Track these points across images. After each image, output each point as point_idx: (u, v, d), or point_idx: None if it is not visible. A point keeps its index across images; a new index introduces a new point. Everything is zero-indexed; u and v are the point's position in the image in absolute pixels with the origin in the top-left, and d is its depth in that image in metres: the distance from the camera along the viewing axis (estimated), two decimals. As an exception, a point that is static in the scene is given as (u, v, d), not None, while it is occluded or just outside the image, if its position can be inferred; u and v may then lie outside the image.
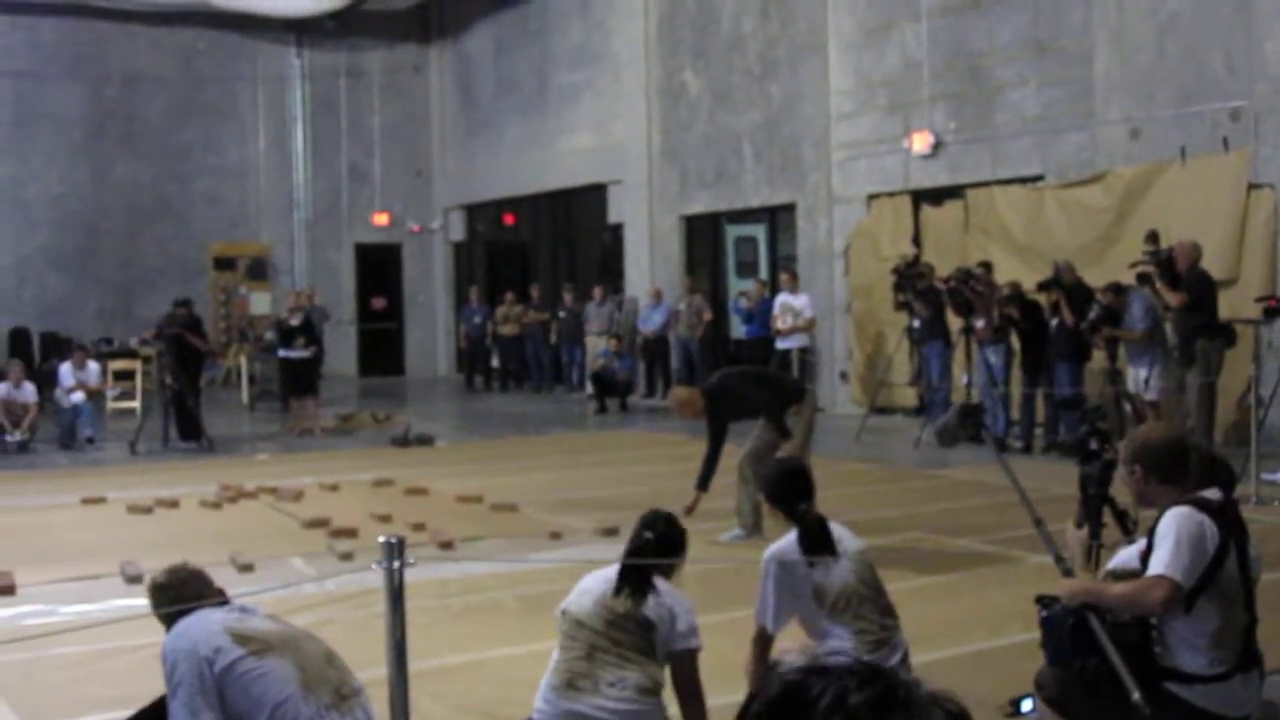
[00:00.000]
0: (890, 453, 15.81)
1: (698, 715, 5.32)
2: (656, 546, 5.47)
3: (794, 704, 1.52)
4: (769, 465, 6.22)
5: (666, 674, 5.30)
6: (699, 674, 5.32)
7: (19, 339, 24.79)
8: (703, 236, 23.02)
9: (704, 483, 10.70)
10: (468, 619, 8.24)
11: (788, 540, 5.77)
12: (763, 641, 5.72)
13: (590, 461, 15.53)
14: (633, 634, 5.23)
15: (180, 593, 5.17)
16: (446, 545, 10.35)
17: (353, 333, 29.13)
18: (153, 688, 5.35)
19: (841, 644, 5.56)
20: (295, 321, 18.99)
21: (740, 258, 22.29)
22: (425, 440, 17.12)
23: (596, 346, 22.57)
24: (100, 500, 12.78)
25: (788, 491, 5.96)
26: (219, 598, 5.20)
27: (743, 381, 11.05)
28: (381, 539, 5.20)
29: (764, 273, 21.50)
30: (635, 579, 5.35)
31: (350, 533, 10.74)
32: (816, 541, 5.72)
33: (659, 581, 5.41)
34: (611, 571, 5.45)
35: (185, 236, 27.39)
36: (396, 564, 5.09)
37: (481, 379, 26.05)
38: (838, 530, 5.89)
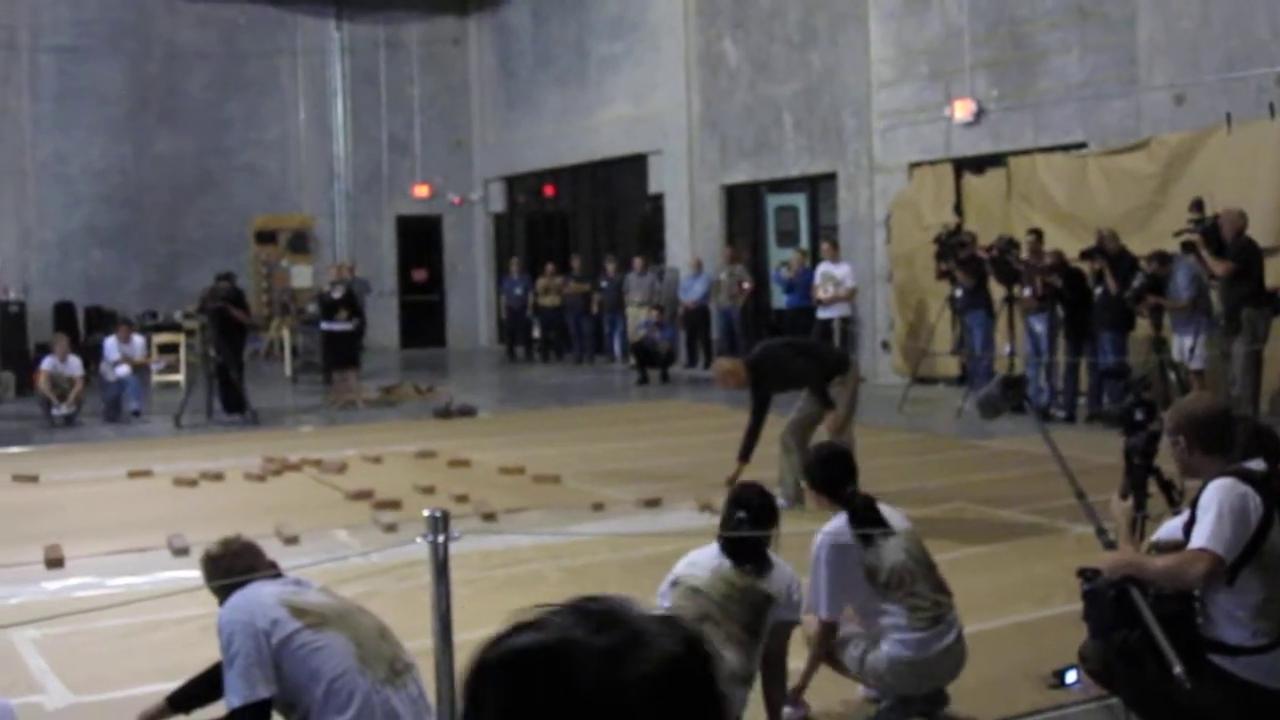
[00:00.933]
0: (933, 422, 15.76)
1: (781, 678, 5.48)
2: (754, 524, 5.49)
3: (529, 669, 1.48)
4: (808, 453, 6.20)
5: None
6: (788, 644, 5.48)
7: (64, 313, 24.96)
8: (743, 206, 22.96)
9: (746, 453, 10.69)
10: (511, 590, 8.28)
11: (836, 523, 5.78)
12: (826, 633, 5.75)
13: (632, 432, 15.54)
14: (748, 610, 5.28)
15: (233, 564, 5.22)
16: (489, 517, 10.39)
17: (394, 305, 29.21)
18: (199, 659, 5.40)
19: (896, 621, 5.58)
20: (337, 294, 19.05)
21: (781, 227, 22.23)
22: (467, 411, 17.18)
23: (638, 317, 22.57)
24: (146, 473, 12.88)
25: (830, 476, 5.97)
26: (271, 570, 5.24)
27: (786, 352, 11.02)
28: (426, 513, 5.23)
29: (805, 242, 21.43)
30: (751, 553, 5.40)
31: (394, 505, 10.80)
32: (866, 520, 5.73)
33: (773, 555, 5.47)
34: (714, 548, 5.48)
35: (227, 210, 27.49)
36: (441, 538, 5.11)
37: (523, 350, 26.10)
38: (885, 510, 5.90)
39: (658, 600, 5.48)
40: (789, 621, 5.43)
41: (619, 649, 1.46)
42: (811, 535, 5.84)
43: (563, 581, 8.48)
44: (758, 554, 5.42)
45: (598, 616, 1.50)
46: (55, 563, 9.24)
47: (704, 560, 5.43)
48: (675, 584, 5.41)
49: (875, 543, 5.69)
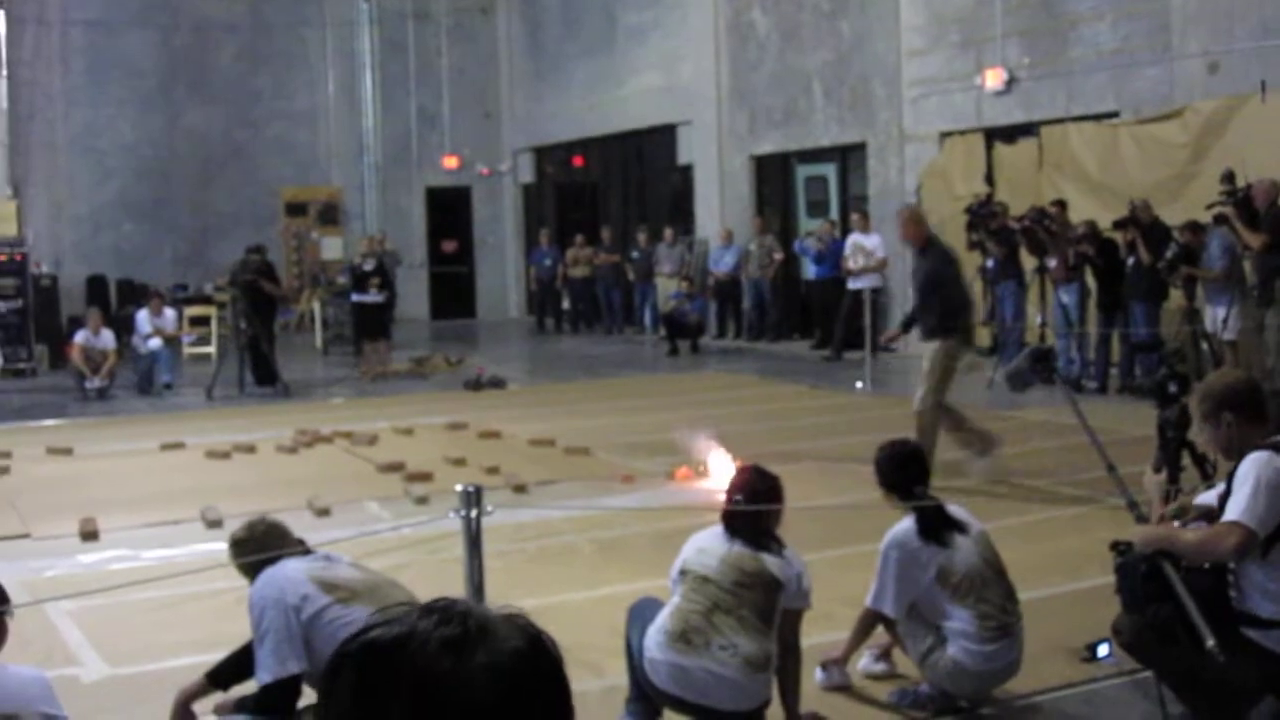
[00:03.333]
0: (964, 394, 15.70)
1: (795, 665, 5.41)
2: (752, 504, 5.45)
3: (378, 657, 1.54)
4: (880, 449, 6.13)
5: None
6: (801, 630, 5.43)
7: (96, 286, 25.07)
8: (773, 176, 22.89)
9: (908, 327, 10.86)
10: (543, 563, 8.31)
11: (905, 524, 5.74)
12: (877, 620, 5.77)
13: (662, 404, 15.52)
14: (758, 594, 5.24)
15: (261, 545, 5.25)
16: (520, 489, 10.42)
17: (424, 276, 29.24)
18: (234, 631, 5.44)
19: (964, 628, 5.55)
20: (368, 266, 19.07)
21: (811, 198, 22.16)
22: (497, 383, 17.20)
23: (668, 288, 22.55)
24: (179, 446, 12.94)
25: (901, 476, 5.92)
26: (299, 548, 5.26)
27: (952, 270, 10.86)
28: (459, 487, 5.24)
29: (835, 213, 21.35)
30: (752, 531, 5.36)
31: (425, 477, 10.84)
32: (935, 527, 5.69)
33: (784, 544, 5.43)
34: (720, 529, 5.45)
35: (257, 182, 27.56)
36: (474, 512, 5.13)
37: (552, 321, 26.11)
38: (958, 511, 5.88)
39: (669, 584, 5.48)
40: (797, 609, 5.38)
41: (462, 640, 1.53)
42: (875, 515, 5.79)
43: (594, 554, 8.50)
44: (760, 532, 5.41)
45: (444, 612, 1.57)
46: (90, 535, 9.32)
47: (712, 546, 5.38)
48: (684, 573, 5.38)
49: (950, 544, 5.67)
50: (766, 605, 5.24)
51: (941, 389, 10.32)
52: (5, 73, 25.16)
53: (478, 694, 1.50)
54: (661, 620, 5.27)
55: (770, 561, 5.29)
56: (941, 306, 10.39)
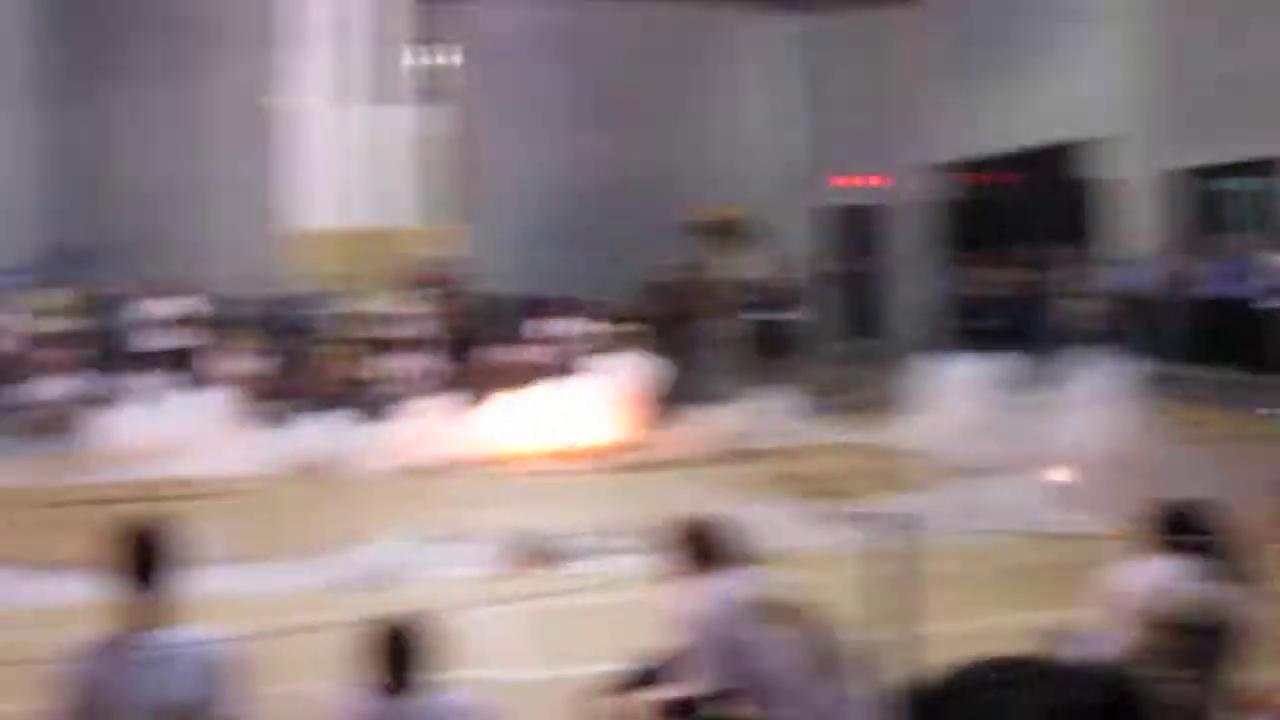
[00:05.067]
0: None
1: None
2: None
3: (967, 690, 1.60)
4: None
5: None
6: None
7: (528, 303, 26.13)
8: (1192, 191, 21.92)
9: None
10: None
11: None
12: None
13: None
14: None
15: (712, 543, 5.44)
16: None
17: (828, 295, 29.22)
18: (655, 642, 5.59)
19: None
20: (781, 284, 19.27)
21: (1233, 213, 21.20)
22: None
23: (1082, 307, 21.98)
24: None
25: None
26: (737, 558, 5.43)
27: None
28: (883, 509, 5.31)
29: (1262, 228, 20.32)
30: None
31: (836, 492, 11.05)
32: None
33: None
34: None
35: (669, 205, 28.11)
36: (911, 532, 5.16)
37: (965, 341, 25.63)
38: None
39: None
40: None
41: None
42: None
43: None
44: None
45: (1028, 670, 1.69)
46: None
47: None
48: None
49: None
50: None
51: None
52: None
53: None
54: None
55: None
56: None
